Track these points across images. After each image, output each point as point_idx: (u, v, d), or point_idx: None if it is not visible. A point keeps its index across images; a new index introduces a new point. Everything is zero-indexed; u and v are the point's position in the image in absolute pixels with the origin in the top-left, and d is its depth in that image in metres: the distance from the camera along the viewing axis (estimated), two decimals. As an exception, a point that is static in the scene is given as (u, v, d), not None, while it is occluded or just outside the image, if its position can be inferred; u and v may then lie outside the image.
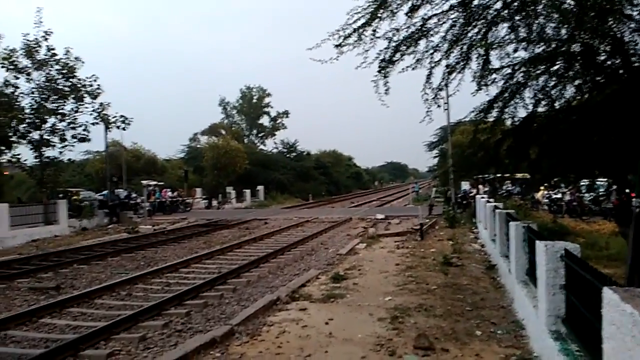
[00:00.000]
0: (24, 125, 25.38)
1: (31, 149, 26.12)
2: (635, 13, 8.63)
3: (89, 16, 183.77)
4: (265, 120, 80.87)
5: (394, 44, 9.66)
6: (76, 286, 12.37)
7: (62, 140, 26.55)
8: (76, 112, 26.89)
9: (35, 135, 25.83)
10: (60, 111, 26.33)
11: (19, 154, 25.91)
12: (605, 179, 14.66)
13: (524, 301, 7.68)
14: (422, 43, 9.77)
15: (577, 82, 9.92)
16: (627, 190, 10.75)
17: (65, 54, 26.19)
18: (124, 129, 29.24)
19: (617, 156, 9.35)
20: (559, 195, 28.56)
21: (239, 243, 19.06)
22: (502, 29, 9.63)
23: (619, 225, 11.92)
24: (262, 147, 77.30)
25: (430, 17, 9.47)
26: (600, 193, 25.80)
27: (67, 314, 9.62)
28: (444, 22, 9.57)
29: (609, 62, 9.18)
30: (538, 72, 9.67)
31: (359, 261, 14.27)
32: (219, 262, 15.12)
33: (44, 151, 26.19)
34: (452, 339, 7.28)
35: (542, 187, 29.03)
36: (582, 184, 22.86)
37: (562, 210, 27.78)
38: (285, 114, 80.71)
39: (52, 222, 24.88)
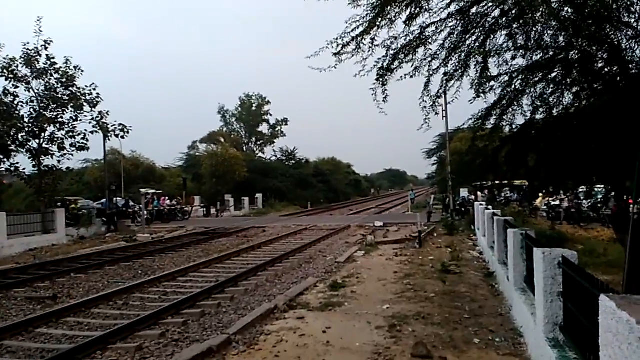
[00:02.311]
0: (23, 134, 25.43)
1: (30, 158, 26.14)
2: (632, 20, 8.65)
3: (89, 22, 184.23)
4: (264, 128, 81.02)
5: (392, 52, 9.67)
6: (73, 295, 12.32)
7: (61, 148, 26.57)
8: (75, 120, 26.95)
9: (34, 143, 25.88)
10: (59, 120, 26.37)
11: (17, 163, 25.97)
12: (603, 186, 14.63)
13: (522, 308, 7.65)
14: (420, 51, 9.79)
15: (575, 89, 9.92)
16: (625, 197, 10.73)
17: (65, 63, 26.29)
18: (122, 137, 29.28)
19: (615, 163, 9.34)
20: (557, 202, 28.57)
21: (237, 251, 19.02)
22: (500, 37, 9.65)
23: (617, 232, 11.88)
24: (261, 154, 77.46)
25: (428, 26, 9.49)
26: (599, 200, 25.79)
27: (63, 323, 9.56)
28: (442, 30, 9.59)
29: (606, 70, 9.19)
30: (536, 79, 9.68)
31: (357, 269, 14.23)
32: (217, 271, 15.07)
33: (43, 160, 26.21)
34: (450, 347, 7.24)
35: (540, 194, 29.02)
36: (580, 190, 22.84)
37: (560, 217, 27.78)
38: (285, 121, 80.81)
39: (49, 230, 24.80)
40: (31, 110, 25.75)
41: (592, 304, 3.88)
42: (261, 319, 8.98)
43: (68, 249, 22.42)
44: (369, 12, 9.13)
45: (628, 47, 8.77)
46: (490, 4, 9.18)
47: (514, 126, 10.97)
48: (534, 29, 9.13)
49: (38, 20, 25.13)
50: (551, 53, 9.09)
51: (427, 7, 9.20)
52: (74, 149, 27.02)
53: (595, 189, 19.81)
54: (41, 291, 12.83)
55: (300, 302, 10.32)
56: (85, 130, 27.28)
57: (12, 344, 8.32)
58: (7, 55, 25.24)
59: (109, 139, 30.01)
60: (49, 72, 25.85)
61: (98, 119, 27.54)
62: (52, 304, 11.36)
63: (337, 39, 9.43)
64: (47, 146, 26.22)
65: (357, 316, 9.12)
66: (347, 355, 7.08)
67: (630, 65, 8.78)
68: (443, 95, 11.00)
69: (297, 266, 15.64)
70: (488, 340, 7.53)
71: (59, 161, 26.77)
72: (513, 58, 9.78)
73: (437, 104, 10.55)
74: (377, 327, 8.35)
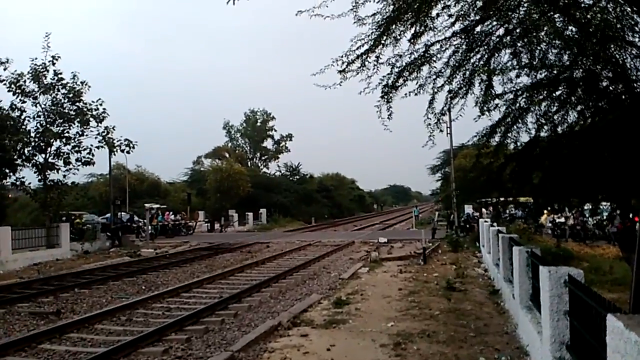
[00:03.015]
0: (29, 148, 25.65)
1: (35, 172, 26.30)
2: (637, 39, 8.69)
3: (94, 36, 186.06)
4: (268, 144, 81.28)
5: (397, 69, 9.70)
6: (76, 311, 12.30)
7: (67, 163, 26.75)
8: (81, 135, 27.15)
9: (40, 158, 26.09)
10: (66, 135, 26.56)
11: (23, 177, 26.14)
12: (608, 203, 14.60)
13: (528, 327, 7.59)
14: (425, 69, 9.81)
15: (579, 108, 9.93)
16: (631, 215, 10.70)
17: (72, 78, 26.55)
18: (128, 152, 29.41)
19: (620, 181, 9.32)
20: (563, 220, 28.45)
21: (241, 267, 18.99)
22: (505, 55, 9.68)
23: (623, 251, 11.83)
24: (265, 170, 77.56)
25: (433, 44, 9.52)
26: (604, 217, 25.69)
27: (67, 339, 9.53)
28: (446, 49, 9.62)
29: (611, 88, 9.20)
30: (540, 97, 9.69)
31: (361, 286, 14.18)
32: (221, 287, 15.03)
33: (48, 174, 26.35)
34: (456, 366, 7.18)
35: (545, 212, 28.93)
36: (585, 208, 22.77)
37: (565, 234, 27.66)
38: (289, 137, 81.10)
39: (54, 245, 24.82)
40: (38, 125, 26.03)
41: (599, 323, 3.86)
42: (265, 336, 8.95)
43: (72, 263, 22.44)
44: (374, 30, 9.18)
45: (632, 66, 8.80)
46: (495, 23, 9.24)
47: (518, 144, 10.97)
48: (538, 48, 9.17)
49: (46, 36, 25.48)
50: (555, 71, 9.11)
51: (432, 25, 9.25)
52: (79, 163, 27.22)
53: (601, 207, 19.75)
54: (45, 306, 12.81)
55: (304, 319, 10.27)
56: (91, 145, 27.52)
57: (16, 359, 8.29)
58: (15, 71, 25.59)
59: (114, 154, 30.20)
60: (56, 87, 26.11)
61: (104, 134, 27.74)
62: (55, 319, 11.34)
63: (342, 56, 9.47)
64: (53, 161, 26.43)
65: (362, 334, 9.07)
66: (352, 374, 7.03)
67: (635, 84, 8.79)
68: (447, 113, 11.00)
69: (301, 282, 15.59)
70: (494, 358, 7.47)
71: (64, 176, 26.98)
72: (517, 76, 9.80)
73: (441, 121, 10.55)
74: (381, 344, 8.30)
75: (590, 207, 16.82)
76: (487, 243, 17.21)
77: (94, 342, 9.37)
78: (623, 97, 9.01)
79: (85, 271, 18.91)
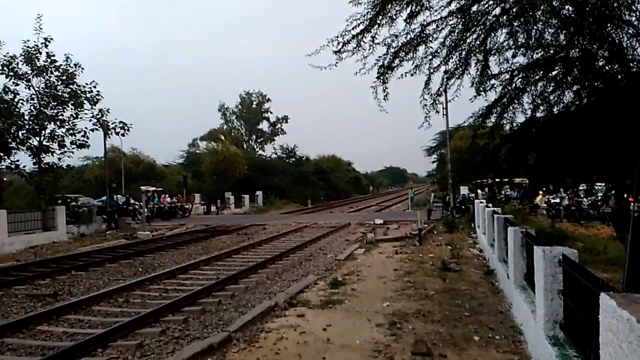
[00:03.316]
0: (23, 131, 25.46)
1: (30, 155, 26.15)
2: (633, 19, 8.64)
3: (88, 18, 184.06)
4: (264, 126, 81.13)
5: (392, 50, 9.67)
6: (74, 293, 12.33)
7: (61, 146, 26.60)
8: (75, 118, 26.95)
9: (34, 141, 25.91)
10: (60, 117, 26.37)
11: (17, 160, 25.99)
12: (603, 184, 14.64)
13: (522, 306, 7.66)
14: (421, 49, 9.78)
15: (575, 88, 9.91)
16: (625, 195, 10.73)
17: (65, 60, 26.29)
18: (123, 135, 29.35)
19: (615, 161, 9.35)
20: (558, 200, 28.59)
21: (238, 249, 19.03)
22: (501, 35, 9.64)
23: (617, 231, 11.88)
24: (261, 152, 77.58)
25: (429, 24, 9.47)
26: (599, 198, 25.82)
27: (64, 321, 9.56)
28: (442, 28, 9.57)
29: (607, 68, 9.18)
30: (536, 77, 9.66)
31: (357, 267, 14.25)
32: (217, 268, 15.08)
33: (43, 157, 26.21)
34: (450, 345, 7.26)
35: (540, 192, 29.06)
36: (580, 188, 22.87)
37: (560, 215, 27.82)
38: (285, 119, 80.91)
39: (50, 228, 24.78)
40: (31, 107, 25.80)
41: (593, 302, 3.90)
42: (261, 316, 9.00)
43: (68, 246, 22.44)
44: (370, 10, 9.12)
45: (629, 45, 8.77)
46: (491, 2, 9.18)
47: (514, 124, 10.97)
48: (535, 27, 9.12)
49: (38, 18, 25.18)
50: (552, 51, 9.07)
51: (427, 5, 9.19)
52: (74, 146, 27.08)
53: (596, 187, 19.83)
54: (42, 288, 12.83)
55: (300, 299, 10.34)
56: (86, 127, 27.36)
57: (13, 341, 8.32)
58: (8, 53, 25.32)
59: (109, 137, 30.03)
60: (49, 69, 25.87)
61: (98, 116, 27.60)
62: (52, 301, 11.38)
63: (337, 37, 9.43)
64: (47, 144, 26.24)
65: (358, 314, 9.14)
66: (347, 353, 7.10)
67: (631, 64, 8.77)
68: (443, 93, 10.99)
69: (298, 264, 15.65)
70: (488, 337, 7.55)
71: (59, 159, 26.81)
72: (514, 56, 9.77)
73: (437, 102, 10.54)
74: (377, 324, 8.37)
75: (585, 187, 16.91)
76: (482, 224, 17.30)
77: (92, 323, 9.42)
78: (619, 76, 9.00)
79: (82, 254, 18.92)
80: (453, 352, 6.98)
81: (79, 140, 27.06)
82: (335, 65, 9.78)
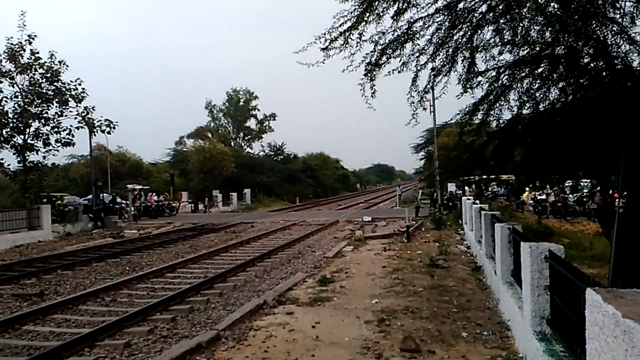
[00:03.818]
0: (7, 129, 25.08)
1: (14, 154, 25.81)
2: (617, 16, 8.72)
3: (73, 15, 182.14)
4: (252, 123, 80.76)
5: (380, 47, 9.68)
6: (60, 292, 12.22)
7: (46, 144, 26.28)
8: (60, 116, 26.65)
9: (18, 139, 25.56)
10: (44, 115, 26.07)
11: (2, 159, 25.67)
12: (589, 180, 14.79)
13: (510, 302, 7.72)
14: (408, 46, 9.80)
15: (561, 85, 9.99)
16: (611, 192, 10.84)
17: (50, 58, 25.97)
18: (109, 133, 29.10)
19: (600, 157, 9.44)
20: (544, 197, 28.84)
21: (226, 247, 18.97)
22: (487, 32, 9.68)
23: (603, 226, 12.02)
24: (248, 150, 77.23)
25: (416, 21, 9.50)
26: (584, 194, 26.09)
27: (50, 320, 9.48)
28: (429, 26, 9.60)
29: (592, 65, 9.26)
30: (523, 74, 9.72)
31: (345, 264, 14.27)
32: (205, 267, 15.03)
33: (28, 155, 25.88)
34: (439, 341, 7.29)
35: (527, 189, 29.29)
36: (566, 185, 23.08)
37: (546, 211, 28.06)
38: (272, 116, 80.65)
39: (35, 227, 24.53)
40: (15, 105, 25.45)
41: (579, 298, 3.93)
42: (250, 314, 8.98)
43: (54, 245, 22.23)
44: (357, 7, 9.12)
45: (613, 42, 8.84)
46: (477, 0, 9.22)
47: (501, 121, 11.03)
48: (521, 25, 9.17)
49: (22, 15, 24.87)
50: (538, 48, 9.13)
51: (414, 2, 9.22)
52: (59, 144, 26.76)
53: (581, 183, 20.05)
54: (28, 288, 12.71)
55: (289, 297, 10.32)
56: (71, 125, 27.06)
57: (-1, 341, 8.24)
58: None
59: (94, 135, 29.83)
60: (34, 67, 25.55)
61: (84, 114, 27.30)
62: (39, 300, 11.27)
63: (324, 34, 9.41)
64: (32, 142, 25.90)
65: (346, 311, 9.15)
66: (337, 350, 7.10)
67: (616, 61, 8.85)
68: (431, 91, 11.05)
69: (286, 261, 15.64)
70: (476, 333, 7.59)
71: (44, 157, 26.49)
72: (500, 53, 9.82)
73: (424, 99, 10.58)
74: (366, 321, 8.38)
75: (571, 184, 17.08)
76: (469, 220, 17.39)
77: (79, 322, 9.34)
78: (604, 73, 9.08)
79: (68, 253, 18.76)
80: (441, 348, 7.01)
81: (64, 138, 26.76)
82: (323, 63, 9.77)
